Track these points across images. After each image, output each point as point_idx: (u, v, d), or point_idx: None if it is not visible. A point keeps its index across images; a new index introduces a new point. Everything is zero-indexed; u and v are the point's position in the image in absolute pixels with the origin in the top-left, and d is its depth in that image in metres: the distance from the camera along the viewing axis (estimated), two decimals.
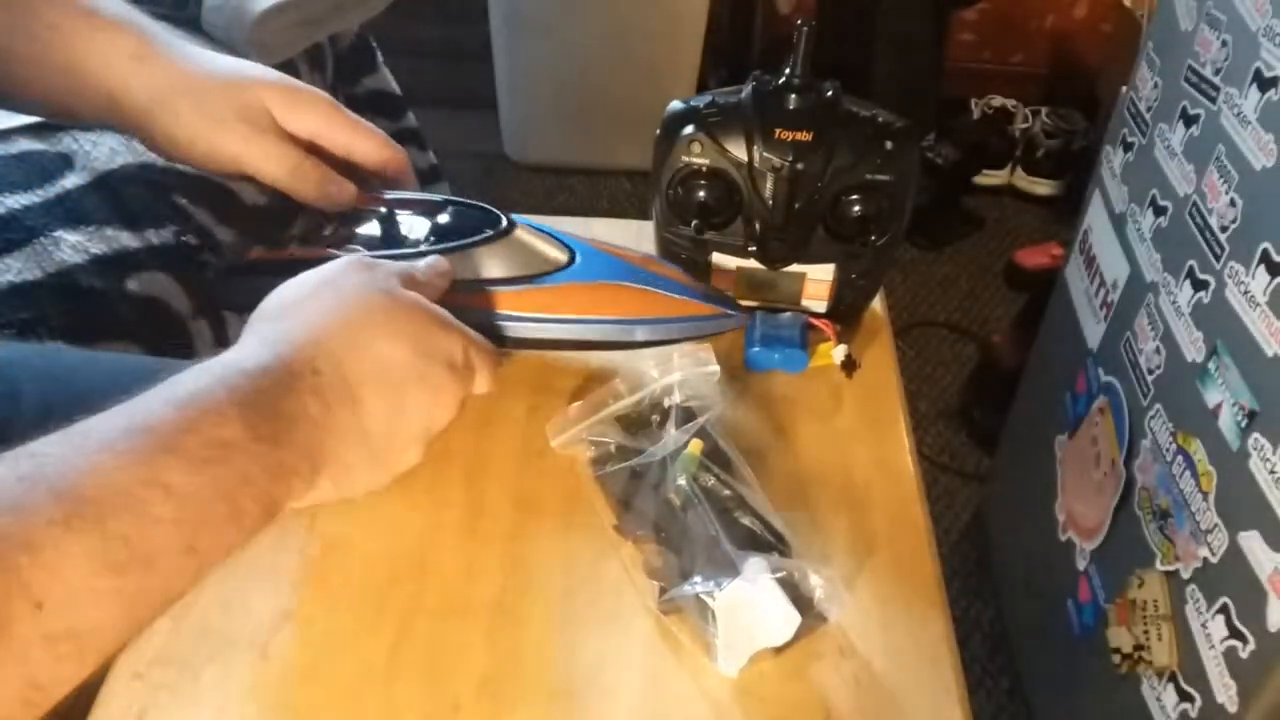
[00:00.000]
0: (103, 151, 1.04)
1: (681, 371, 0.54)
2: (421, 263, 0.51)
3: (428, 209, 0.59)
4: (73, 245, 0.94)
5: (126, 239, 0.99)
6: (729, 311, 0.56)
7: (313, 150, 0.57)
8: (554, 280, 0.55)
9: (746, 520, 0.49)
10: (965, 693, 0.45)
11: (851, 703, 0.44)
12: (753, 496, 0.50)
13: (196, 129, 0.53)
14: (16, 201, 0.96)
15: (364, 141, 0.58)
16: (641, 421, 0.53)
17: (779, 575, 0.45)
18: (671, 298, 0.55)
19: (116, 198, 1.01)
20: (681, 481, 0.50)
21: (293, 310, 0.45)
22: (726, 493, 0.50)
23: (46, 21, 0.53)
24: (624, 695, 0.44)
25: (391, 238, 0.58)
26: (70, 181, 1.00)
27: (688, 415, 0.52)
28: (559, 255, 0.56)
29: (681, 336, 0.56)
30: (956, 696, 0.45)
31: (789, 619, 0.44)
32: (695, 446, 0.51)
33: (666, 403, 0.53)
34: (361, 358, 0.43)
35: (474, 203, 0.59)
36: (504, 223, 0.56)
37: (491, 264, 0.55)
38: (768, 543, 0.48)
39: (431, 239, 0.56)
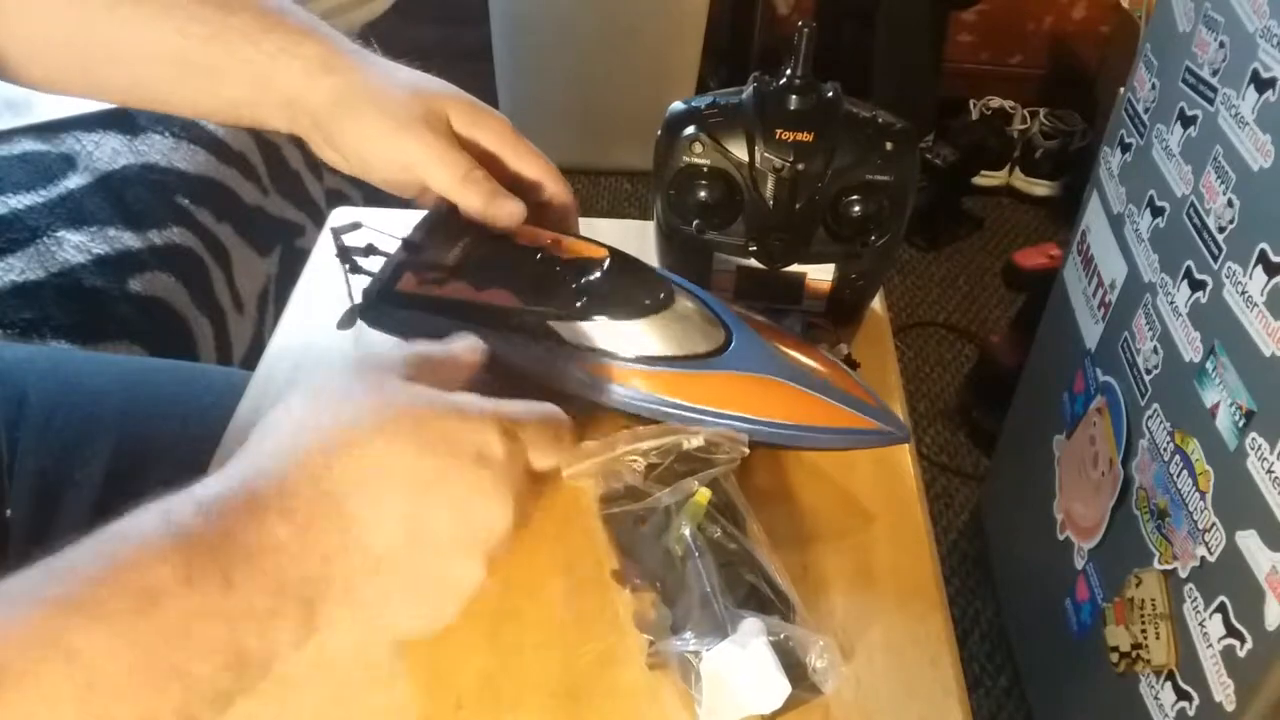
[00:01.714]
0: (105, 152, 1.05)
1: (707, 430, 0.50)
2: (439, 346, 0.44)
3: (582, 264, 0.55)
4: (75, 245, 0.94)
5: (129, 239, 0.99)
6: (889, 429, 0.51)
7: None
8: (709, 368, 0.51)
9: (750, 577, 0.46)
10: (964, 692, 0.46)
11: (851, 702, 0.45)
12: (760, 554, 0.47)
13: (379, 128, 0.52)
14: (19, 202, 0.97)
15: (536, 170, 0.57)
16: (659, 465, 0.50)
17: (774, 639, 0.43)
18: (834, 407, 0.51)
19: (119, 198, 1.02)
20: (685, 531, 0.47)
21: (275, 427, 0.38)
22: (732, 546, 0.47)
23: (239, 30, 0.53)
24: (625, 695, 0.45)
25: (542, 288, 0.53)
26: (73, 182, 1.00)
27: (704, 463, 0.49)
28: (715, 336, 0.52)
29: (833, 448, 0.53)
30: (955, 695, 0.45)
31: (778, 688, 0.42)
32: (703, 496, 0.47)
33: (685, 445, 0.50)
34: (349, 467, 0.36)
35: (636, 261, 0.55)
36: (663, 293, 0.52)
37: (644, 339, 0.52)
38: (769, 602, 0.46)
39: (583, 299, 0.53)
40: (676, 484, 0.48)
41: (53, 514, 0.59)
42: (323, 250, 0.70)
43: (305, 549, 0.35)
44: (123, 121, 1.09)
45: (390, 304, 0.54)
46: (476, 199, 0.53)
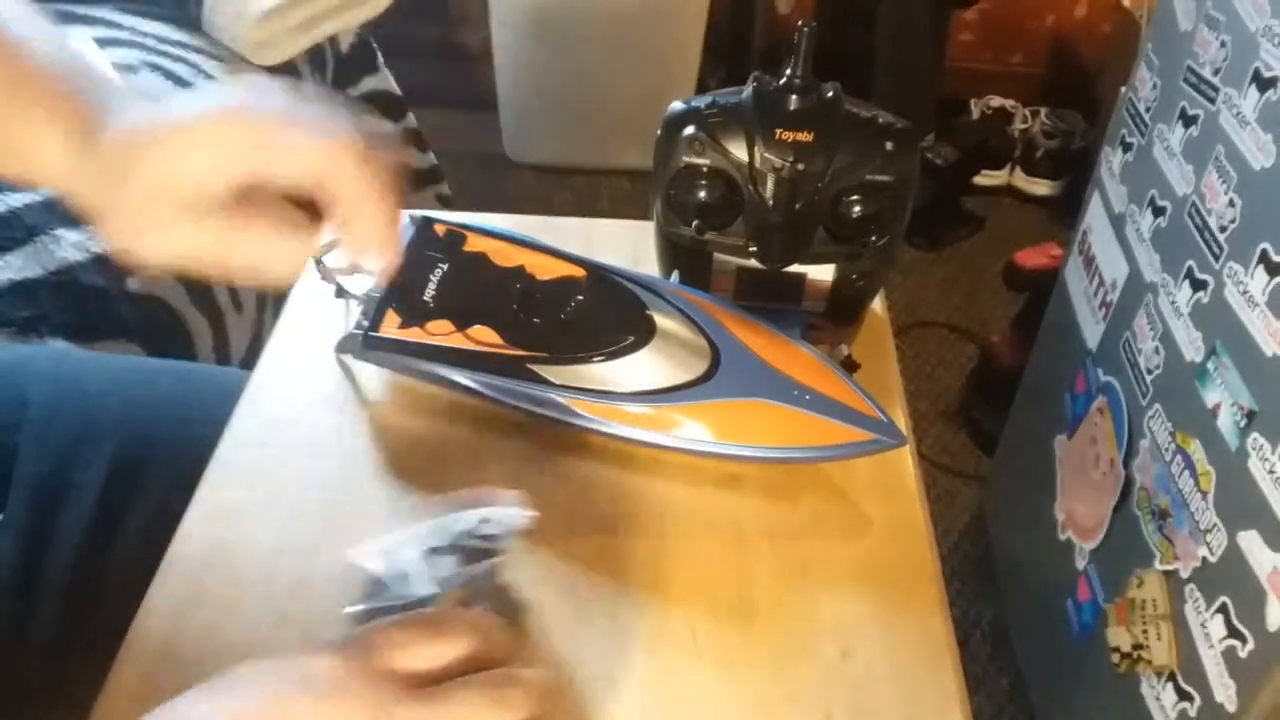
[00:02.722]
0: None
1: (489, 508, 0.44)
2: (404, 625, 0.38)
3: (561, 290, 0.54)
4: (74, 243, 0.94)
5: None
6: (884, 438, 0.51)
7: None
8: (696, 399, 0.50)
9: None
10: (965, 692, 0.46)
11: (852, 703, 0.44)
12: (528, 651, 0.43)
13: (161, 219, 0.42)
14: (17, 200, 0.96)
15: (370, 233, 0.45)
16: (440, 547, 0.44)
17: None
18: (826, 424, 0.50)
19: None
20: None
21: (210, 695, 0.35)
22: None
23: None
24: (624, 694, 0.44)
25: (522, 323, 0.53)
26: None
27: (473, 556, 0.44)
28: (701, 360, 0.51)
29: (827, 461, 0.53)
30: (956, 696, 0.45)
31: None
32: (446, 601, 0.42)
33: (456, 528, 0.44)
34: None
35: (614, 281, 0.55)
36: (644, 323, 0.52)
37: (628, 377, 0.51)
38: None
39: (565, 336, 0.52)
40: (430, 574, 0.43)
41: (52, 518, 0.58)
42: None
43: None
44: None
45: (375, 348, 0.54)
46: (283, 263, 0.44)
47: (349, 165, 0.42)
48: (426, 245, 0.57)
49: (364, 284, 0.57)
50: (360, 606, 0.43)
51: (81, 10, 1.28)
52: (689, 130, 0.56)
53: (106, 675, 0.44)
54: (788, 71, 0.54)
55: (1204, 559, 0.81)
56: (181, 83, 1.18)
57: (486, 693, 0.36)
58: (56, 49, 0.44)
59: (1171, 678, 0.86)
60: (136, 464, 0.62)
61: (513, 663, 0.39)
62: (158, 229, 0.42)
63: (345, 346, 0.55)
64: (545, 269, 0.56)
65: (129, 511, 0.59)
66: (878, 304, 0.66)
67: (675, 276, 0.59)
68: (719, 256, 0.60)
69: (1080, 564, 1.05)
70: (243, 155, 0.41)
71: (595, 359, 0.52)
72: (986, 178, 2.12)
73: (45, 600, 0.56)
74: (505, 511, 0.44)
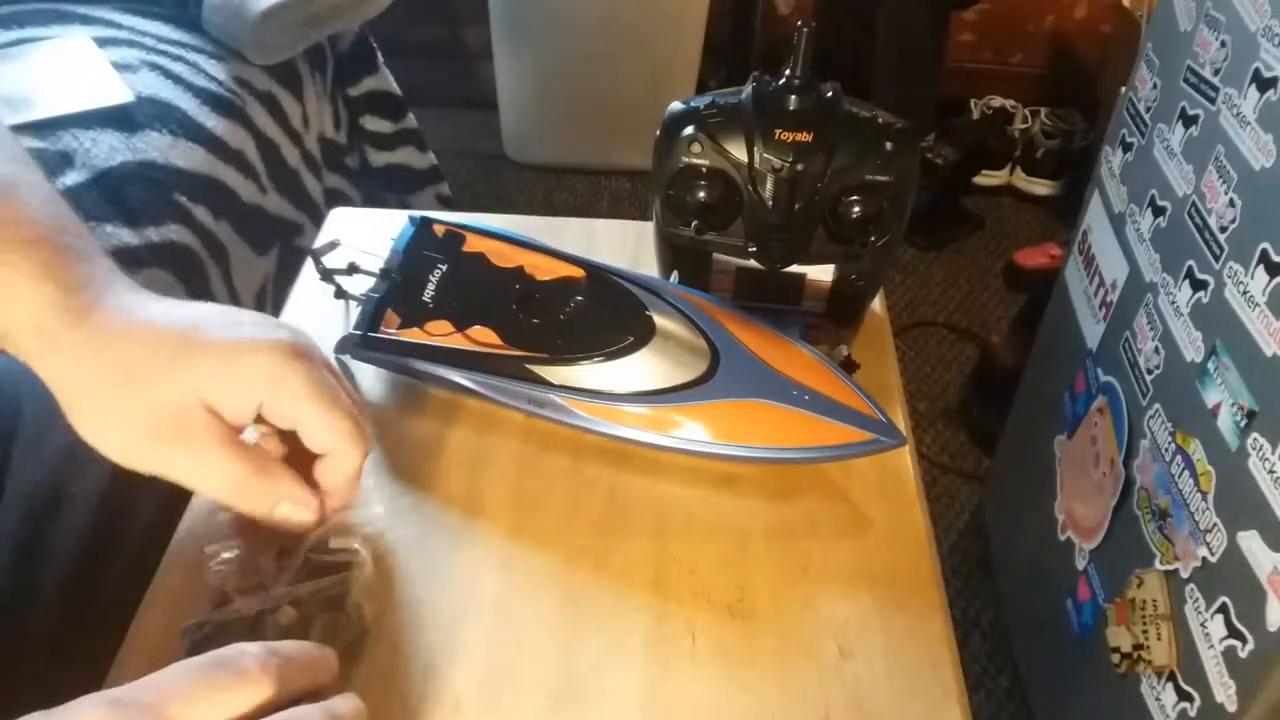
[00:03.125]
0: (102, 149, 1.04)
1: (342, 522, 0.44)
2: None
3: (560, 290, 0.54)
4: None
5: (126, 236, 0.99)
6: (883, 438, 0.50)
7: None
8: (695, 399, 0.50)
9: None
10: (965, 693, 0.45)
11: (852, 703, 0.44)
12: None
13: (118, 437, 0.41)
14: None
15: (326, 442, 0.44)
16: (293, 557, 0.44)
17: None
18: (826, 424, 0.50)
19: (116, 195, 1.01)
20: None
21: None
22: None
23: None
24: (624, 695, 0.44)
25: (521, 323, 0.53)
26: (70, 179, 1.00)
27: (332, 565, 0.43)
28: (700, 361, 0.51)
29: (826, 461, 0.53)
30: (956, 696, 0.45)
31: None
32: (286, 615, 0.41)
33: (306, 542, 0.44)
34: None
35: (614, 282, 0.54)
36: (644, 323, 0.52)
37: (628, 377, 0.51)
38: None
39: (564, 338, 0.52)
40: (264, 592, 0.43)
41: (48, 530, 0.58)
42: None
43: None
44: (121, 119, 1.09)
45: (373, 349, 0.54)
46: (251, 509, 0.44)
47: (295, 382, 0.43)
48: (426, 245, 0.57)
49: (364, 284, 0.57)
50: (194, 621, 0.42)
51: (81, 10, 1.28)
52: (688, 130, 0.55)
53: (101, 687, 0.44)
54: (787, 71, 0.54)
55: (1204, 559, 0.81)
56: (181, 81, 1.18)
57: None
58: (46, 194, 0.43)
59: (1171, 678, 0.86)
60: (133, 474, 0.62)
61: (326, 695, 0.37)
62: (135, 439, 0.41)
63: (345, 347, 0.55)
64: (545, 269, 0.56)
65: (125, 523, 0.58)
66: (877, 304, 0.66)
67: (674, 277, 0.59)
68: (718, 257, 0.60)
69: (1080, 564, 1.05)
70: (273, 396, 0.42)
71: (594, 359, 0.52)
72: (986, 178, 2.12)
73: (40, 613, 0.56)
74: (356, 523, 0.44)
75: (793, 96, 0.54)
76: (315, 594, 0.43)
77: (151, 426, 0.41)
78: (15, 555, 0.56)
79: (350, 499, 0.47)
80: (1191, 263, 0.87)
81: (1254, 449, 0.75)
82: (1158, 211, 0.95)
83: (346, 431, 0.44)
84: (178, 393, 0.41)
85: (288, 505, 0.44)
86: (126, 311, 0.42)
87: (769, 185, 0.55)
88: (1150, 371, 0.93)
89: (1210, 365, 0.82)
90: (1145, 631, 0.89)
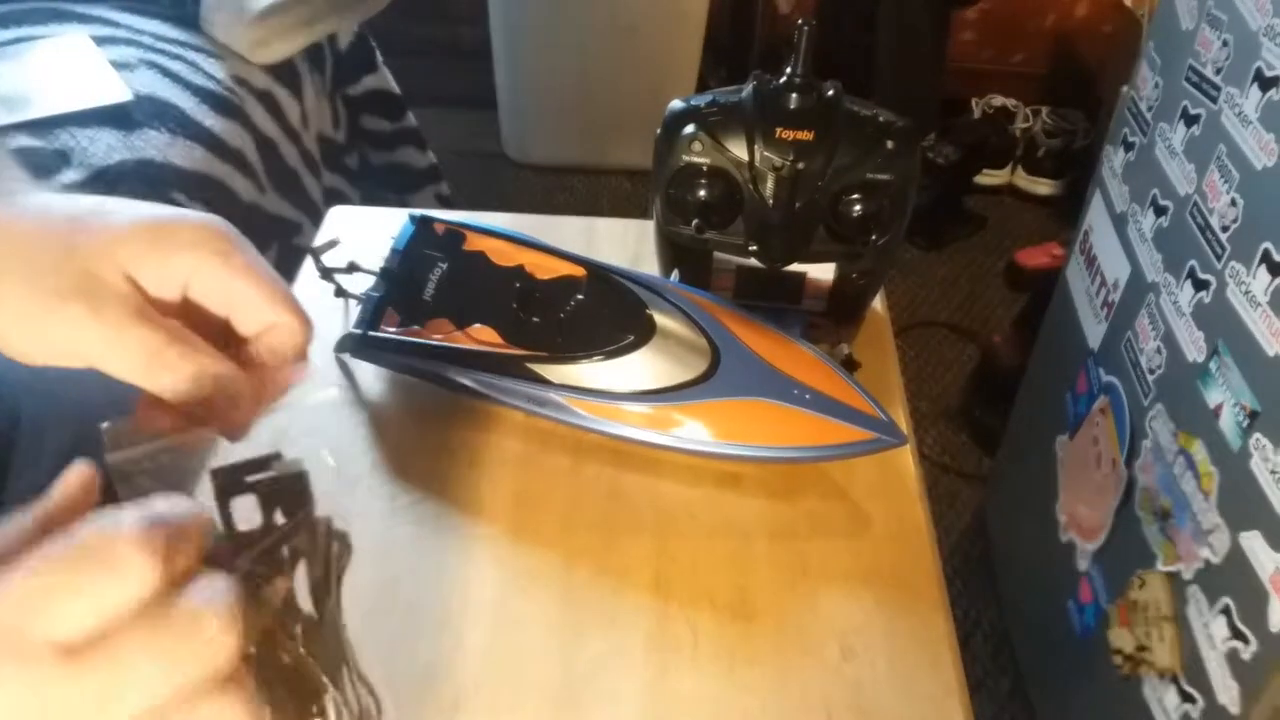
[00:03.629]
0: (100, 148, 1.04)
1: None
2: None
3: (561, 289, 0.54)
4: None
5: None
6: (884, 437, 0.50)
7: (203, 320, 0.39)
8: (696, 398, 0.50)
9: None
10: (966, 693, 0.45)
11: (853, 703, 0.44)
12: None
13: (21, 306, 0.36)
14: None
15: (262, 313, 0.38)
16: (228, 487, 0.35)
17: None
18: (827, 423, 0.50)
19: (114, 193, 1.01)
20: None
21: None
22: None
23: None
24: (624, 695, 0.44)
25: (521, 322, 0.52)
26: (67, 178, 1.00)
27: (275, 506, 0.35)
28: (701, 359, 0.51)
29: (827, 460, 0.52)
30: (957, 697, 0.45)
31: None
32: (277, 591, 0.33)
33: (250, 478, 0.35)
34: None
35: (615, 281, 0.54)
36: (644, 322, 0.51)
37: (628, 376, 0.51)
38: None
39: (564, 336, 0.52)
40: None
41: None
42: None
43: None
44: (118, 118, 1.09)
45: (374, 347, 0.54)
46: (170, 387, 0.37)
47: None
48: (426, 244, 0.57)
49: (363, 283, 0.57)
50: (121, 455, 0.37)
51: (80, 9, 1.27)
52: (689, 129, 0.55)
53: None
54: (788, 70, 0.54)
55: (1206, 560, 0.80)
56: (179, 80, 1.18)
57: (157, 648, 0.28)
58: None
59: (1174, 679, 0.85)
60: None
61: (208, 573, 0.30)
62: (37, 326, 0.36)
63: (345, 346, 0.55)
64: (545, 268, 0.56)
65: None
66: (878, 303, 0.66)
67: (675, 275, 0.59)
68: (719, 255, 0.60)
69: (1082, 565, 1.05)
70: (202, 267, 0.37)
71: (595, 358, 0.51)
72: (988, 177, 2.12)
73: None
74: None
75: (793, 95, 0.54)
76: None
77: (61, 287, 0.36)
78: None
79: (292, 379, 0.40)
80: (1193, 262, 0.86)
81: (1256, 449, 0.75)
82: (1159, 211, 0.95)
83: (285, 300, 0.38)
84: (97, 255, 0.36)
85: (204, 375, 0.37)
86: (44, 199, 0.38)
87: (770, 184, 0.55)
88: (1152, 371, 0.93)
89: (1212, 365, 0.82)
90: (1147, 633, 0.89)
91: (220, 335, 0.39)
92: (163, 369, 0.37)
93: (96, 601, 0.27)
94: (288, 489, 0.35)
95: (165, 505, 0.30)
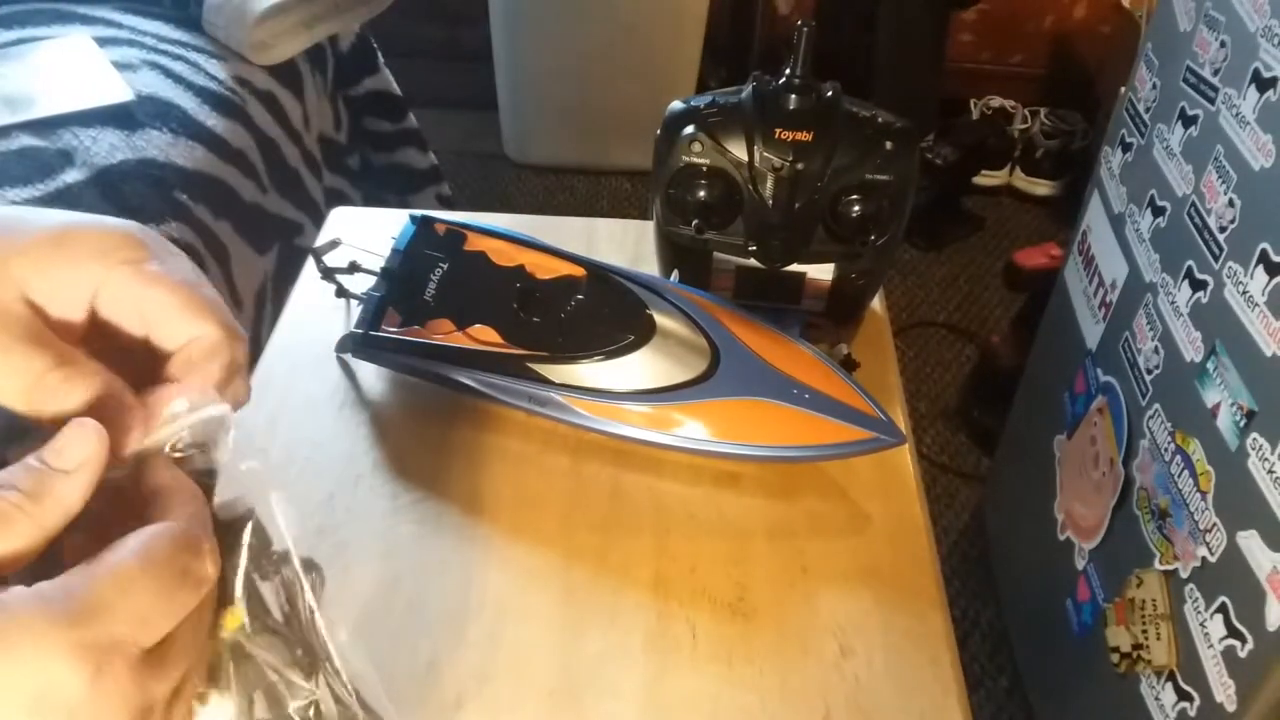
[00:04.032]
0: (102, 148, 1.05)
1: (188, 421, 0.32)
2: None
3: (561, 289, 0.54)
4: None
5: None
6: (883, 436, 0.50)
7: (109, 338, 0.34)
8: (696, 397, 0.51)
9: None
10: (964, 692, 0.46)
11: (851, 702, 0.44)
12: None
13: None
14: (16, 195, 0.97)
15: (174, 322, 0.34)
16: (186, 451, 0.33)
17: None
18: (826, 422, 0.50)
19: (116, 193, 1.02)
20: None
21: None
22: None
23: None
24: (624, 694, 0.45)
25: (522, 322, 0.52)
26: (70, 177, 1.00)
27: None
28: (701, 359, 0.51)
29: (826, 459, 0.53)
30: (956, 695, 0.45)
31: None
32: (232, 619, 0.32)
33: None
34: None
35: (614, 281, 0.54)
36: (644, 322, 0.52)
37: (628, 375, 0.51)
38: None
39: (565, 336, 0.53)
40: None
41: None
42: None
43: None
44: (121, 118, 1.09)
45: (375, 347, 0.54)
46: (51, 415, 0.33)
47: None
48: (427, 245, 0.57)
49: (364, 283, 0.57)
50: None
51: (83, 10, 1.28)
52: (689, 129, 0.56)
53: None
54: (787, 71, 0.54)
55: (1203, 559, 0.81)
56: (181, 81, 1.18)
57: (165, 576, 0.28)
58: None
59: (1171, 678, 0.86)
60: None
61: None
62: None
63: (345, 346, 0.55)
64: (545, 268, 0.56)
65: None
66: (877, 303, 0.66)
67: (675, 276, 0.59)
68: (719, 256, 0.60)
69: (1080, 564, 1.05)
70: (110, 277, 0.33)
71: (595, 358, 0.52)
72: (986, 178, 2.12)
73: None
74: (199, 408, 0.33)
75: (793, 96, 0.54)
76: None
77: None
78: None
79: (230, 399, 0.34)
80: (1191, 263, 0.87)
81: (1253, 449, 0.75)
82: (1157, 212, 0.95)
83: (207, 309, 0.33)
84: None
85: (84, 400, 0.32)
86: None
87: (769, 184, 0.55)
88: (1150, 371, 0.93)
89: (1210, 365, 0.82)
90: (1145, 631, 0.89)
91: (144, 354, 0.34)
92: (45, 395, 0.32)
93: (181, 614, 0.29)
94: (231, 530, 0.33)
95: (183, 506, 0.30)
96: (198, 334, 0.33)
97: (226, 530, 0.32)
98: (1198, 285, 0.85)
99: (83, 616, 0.27)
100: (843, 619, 0.48)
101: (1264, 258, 0.75)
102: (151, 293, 0.33)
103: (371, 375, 0.59)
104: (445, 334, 0.54)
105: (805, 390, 0.51)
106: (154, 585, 0.28)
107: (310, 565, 0.34)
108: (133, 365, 0.33)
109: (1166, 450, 0.88)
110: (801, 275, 0.60)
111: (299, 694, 0.33)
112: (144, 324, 0.34)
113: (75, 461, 0.30)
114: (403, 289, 0.56)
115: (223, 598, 0.32)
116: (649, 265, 0.64)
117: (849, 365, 0.59)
